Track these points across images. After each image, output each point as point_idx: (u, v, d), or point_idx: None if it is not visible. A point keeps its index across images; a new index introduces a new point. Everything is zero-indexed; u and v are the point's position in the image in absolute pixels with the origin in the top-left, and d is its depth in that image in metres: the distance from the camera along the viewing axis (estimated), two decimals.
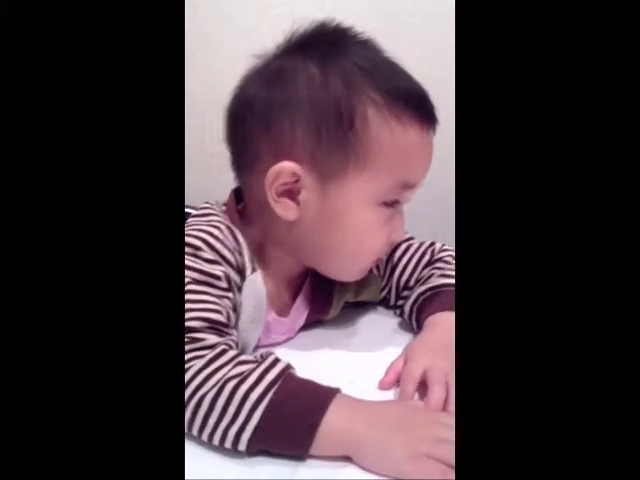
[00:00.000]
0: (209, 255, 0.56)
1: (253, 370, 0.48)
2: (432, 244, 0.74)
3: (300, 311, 0.67)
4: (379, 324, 0.72)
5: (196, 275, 0.54)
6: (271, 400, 0.47)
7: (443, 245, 0.74)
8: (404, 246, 0.73)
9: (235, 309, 0.57)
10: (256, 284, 0.59)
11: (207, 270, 0.55)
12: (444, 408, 0.53)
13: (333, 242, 0.59)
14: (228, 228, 0.59)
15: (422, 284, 0.69)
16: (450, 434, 0.46)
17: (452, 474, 0.44)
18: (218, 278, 0.55)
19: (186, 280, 0.54)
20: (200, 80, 0.95)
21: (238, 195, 0.65)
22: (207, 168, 1.00)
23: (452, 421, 0.48)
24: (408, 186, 0.58)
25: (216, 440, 0.47)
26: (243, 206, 0.64)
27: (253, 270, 0.59)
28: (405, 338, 0.67)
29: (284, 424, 0.46)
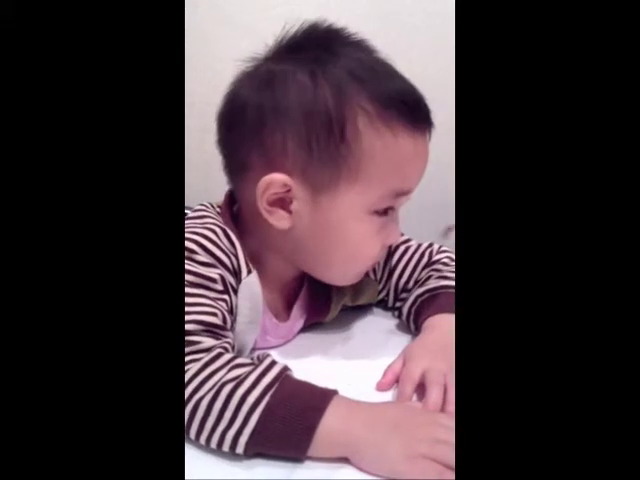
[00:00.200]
0: (204, 258, 0.56)
1: (250, 373, 0.48)
2: (430, 245, 0.74)
3: (298, 316, 0.67)
4: (376, 326, 0.72)
5: (191, 278, 0.54)
6: (268, 403, 0.46)
7: (441, 246, 0.74)
8: (402, 248, 0.72)
9: (231, 311, 0.57)
10: (252, 285, 0.59)
11: (202, 273, 0.55)
12: (442, 409, 0.53)
13: (328, 250, 0.59)
14: (223, 230, 0.59)
15: (420, 286, 0.69)
16: (448, 435, 0.46)
17: (449, 475, 0.44)
18: (214, 281, 0.55)
19: None
20: (200, 80, 0.95)
21: (233, 196, 0.64)
22: (207, 168, 1.00)
23: (450, 422, 0.48)
24: (402, 193, 0.58)
25: (213, 443, 0.47)
26: (238, 208, 0.64)
27: (249, 272, 0.59)
28: (402, 340, 0.67)
29: (281, 427, 0.46)
